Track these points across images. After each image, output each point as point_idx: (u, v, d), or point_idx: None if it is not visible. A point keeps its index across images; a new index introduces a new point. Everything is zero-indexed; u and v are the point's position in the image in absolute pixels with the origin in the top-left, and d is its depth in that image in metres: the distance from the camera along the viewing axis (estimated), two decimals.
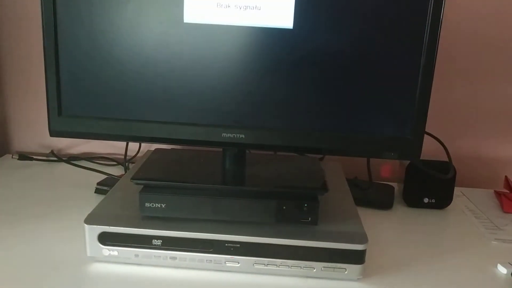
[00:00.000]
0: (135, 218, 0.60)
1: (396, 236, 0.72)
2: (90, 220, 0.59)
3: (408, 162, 0.83)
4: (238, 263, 0.58)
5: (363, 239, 0.58)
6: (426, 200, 0.83)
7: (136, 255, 0.59)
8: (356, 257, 0.57)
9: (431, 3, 0.57)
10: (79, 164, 0.95)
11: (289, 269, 0.58)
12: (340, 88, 0.60)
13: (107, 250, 0.59)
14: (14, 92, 1.02)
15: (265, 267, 0.58)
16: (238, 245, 0.58)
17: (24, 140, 1.05)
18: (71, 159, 0.99)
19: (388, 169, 1.00)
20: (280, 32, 0.59)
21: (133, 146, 1.00)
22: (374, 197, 0.83)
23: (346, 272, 0.58)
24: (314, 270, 0.58)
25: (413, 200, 0.83)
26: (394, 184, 0.91)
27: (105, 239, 0.59)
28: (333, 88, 0.60)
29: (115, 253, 0.59)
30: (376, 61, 0.59)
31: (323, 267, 0.58)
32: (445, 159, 0.81)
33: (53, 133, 0.64)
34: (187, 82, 0.61)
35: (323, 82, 0.60)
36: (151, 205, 0.60)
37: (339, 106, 0.61)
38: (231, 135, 0.62)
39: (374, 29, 0.58)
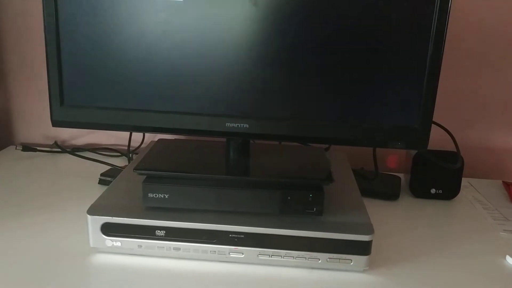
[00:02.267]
0: (138, 209, 0.60)
1: (403, 227, 0.71)
2: (93, 210, 0.59)
3: (415, 152, 0.82)
4: (242, 254, 0.58)
5: (369, 229, 0.57)
6: (433, 190, 0.82)
7: (140, 246, 0.58)
8: (362, 248, 0.56)
9: None
10: (83, 155, 0.95)
11: (294, 260, 0.57)
12: (345, 77, 0.59)
13: (110, 241, 0.58)
14: (18, 83, 1.01)
15: (270, 258, 0.58)
16: (242, 236, 0.57)
17: (28, 131, 1.05)
18: (75, 150, 0.98)
19: (394, 160, 0.99)
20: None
21: (137, 137, 0.99)
22: (381, 187, 0.82)
23: (351, 263, 0.57)
24: (319, 261, 0.57)
25: (420, 191, 0.82)
26: (401, 175, 0.90)
27: (108, 229, 0.58)
28: (338, 77, 0.59)
29: (118, 243, 0.58)
30: (383, 49, 0.58)
31: (329, 258, 0.57)
32: (453, 149, 0.80)
33: (55, 123, 0.63)
34: (190, 71, 0.60)
35: (328, 71, 0.59)
36: (154, 195, 0.59)
37: (345, 95, 0.60)
38: (235, 125, 0.61)
39: (381, 18, 0.57)
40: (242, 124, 0.61)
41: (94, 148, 1.01)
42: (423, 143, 0.61)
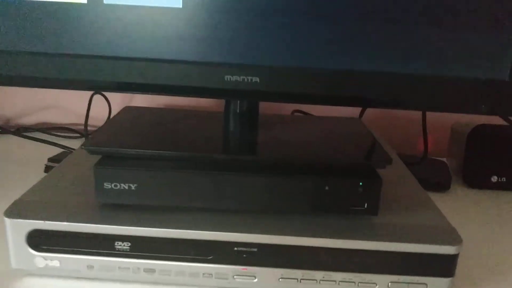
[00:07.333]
0: (88, 208, 0.39)
1: (473, 230, 0.52)
2: (14, 211, 0.37)
3: (469, 129, 0.63)
4: (255, 277, 0.38)
5: (454, 238, 0.37)
6: (494, 178, 0.63)
7: (90, 267, 0.38)
8: (444, 266, 0.37)
9: None
10: (31, 135, 0.74)
11: (338, 286, 0.37)
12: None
13: (42, 258, 0.38)
14: None
15: (299, 283, 0.37)
16: (255, 249, 0.37)
17: None
18: (22, 131, 0.77)
19: (429, 140, 0.79)
20: None
21: (102, 113, 0.78)
22: (427, 175, 0.63)
23: None
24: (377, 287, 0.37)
25: (476, 180, 0.64)
26: (442, 159, 0.71)
27: (39, 241, 0.37)
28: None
29: (56, 263, 0.38)
30: None
31: (391, 282, 0.37)
32: None
33: None
34: None
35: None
36: (113, 186, 0.38)
37: (393, 35, 0.40)
38: (238, 79, 0.41)
39: None
40: (249, 78, 0.41)
41: (47, 128, 0.79)
42: None
